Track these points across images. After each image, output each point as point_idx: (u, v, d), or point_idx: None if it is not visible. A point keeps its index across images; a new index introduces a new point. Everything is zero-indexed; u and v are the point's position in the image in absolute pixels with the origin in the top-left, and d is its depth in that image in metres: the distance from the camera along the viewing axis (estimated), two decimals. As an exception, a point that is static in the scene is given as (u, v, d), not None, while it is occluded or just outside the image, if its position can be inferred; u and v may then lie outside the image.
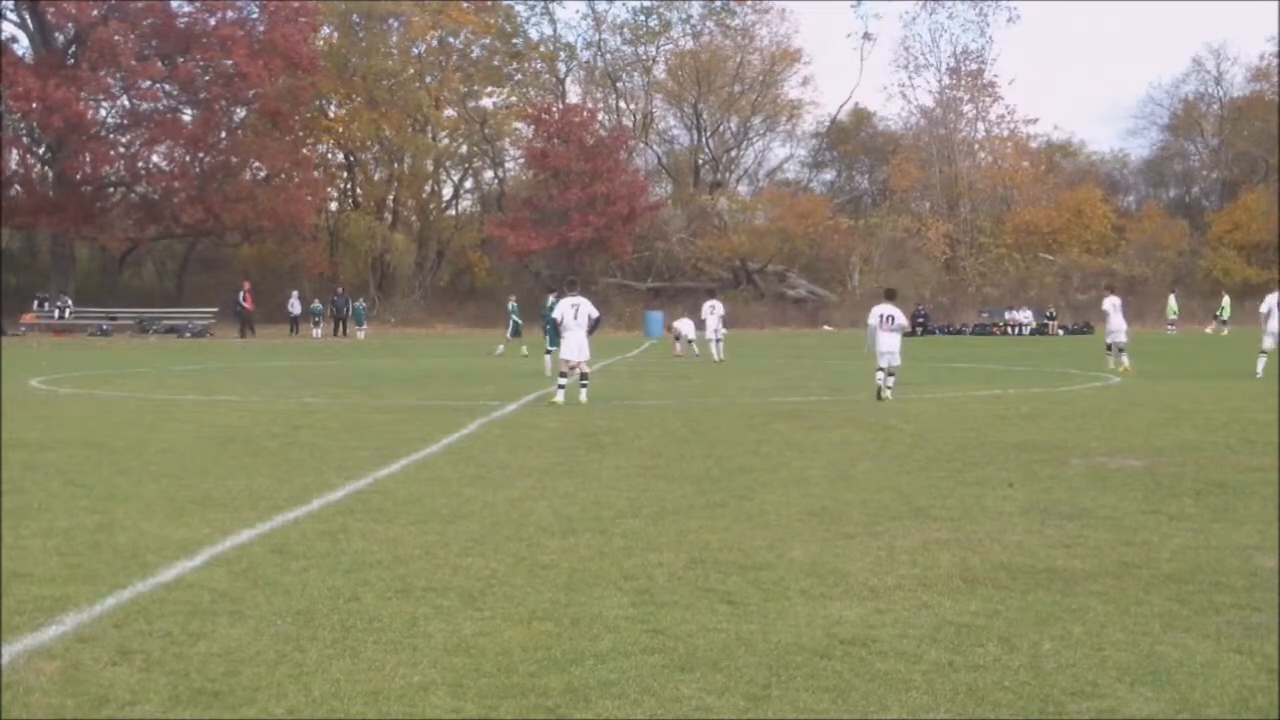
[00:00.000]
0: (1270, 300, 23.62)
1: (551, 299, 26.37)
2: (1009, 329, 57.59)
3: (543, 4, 72.71)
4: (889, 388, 18.88)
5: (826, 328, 60.76)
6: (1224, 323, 52.51)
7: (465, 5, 68.17)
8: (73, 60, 58.00)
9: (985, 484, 10.19)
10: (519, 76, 72.82)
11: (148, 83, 58.94)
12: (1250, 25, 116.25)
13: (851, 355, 34.37)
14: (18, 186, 58.42)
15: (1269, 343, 23.33)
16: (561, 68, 74.30)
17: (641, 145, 73.62)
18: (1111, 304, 27.87)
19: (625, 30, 73.25)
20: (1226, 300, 53.85)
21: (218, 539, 7.89)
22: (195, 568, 7.10)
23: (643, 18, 72.73)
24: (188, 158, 59.37)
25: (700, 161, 74.78)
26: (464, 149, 72.68)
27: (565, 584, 6.71)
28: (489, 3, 70.07)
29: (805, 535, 8.07)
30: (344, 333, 55.41)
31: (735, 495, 9.70)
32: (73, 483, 10.32)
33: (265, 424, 15.33)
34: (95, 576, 6.86)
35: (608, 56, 73.81)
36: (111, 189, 61.96)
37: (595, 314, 19.38)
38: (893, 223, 68.63)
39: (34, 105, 54.34)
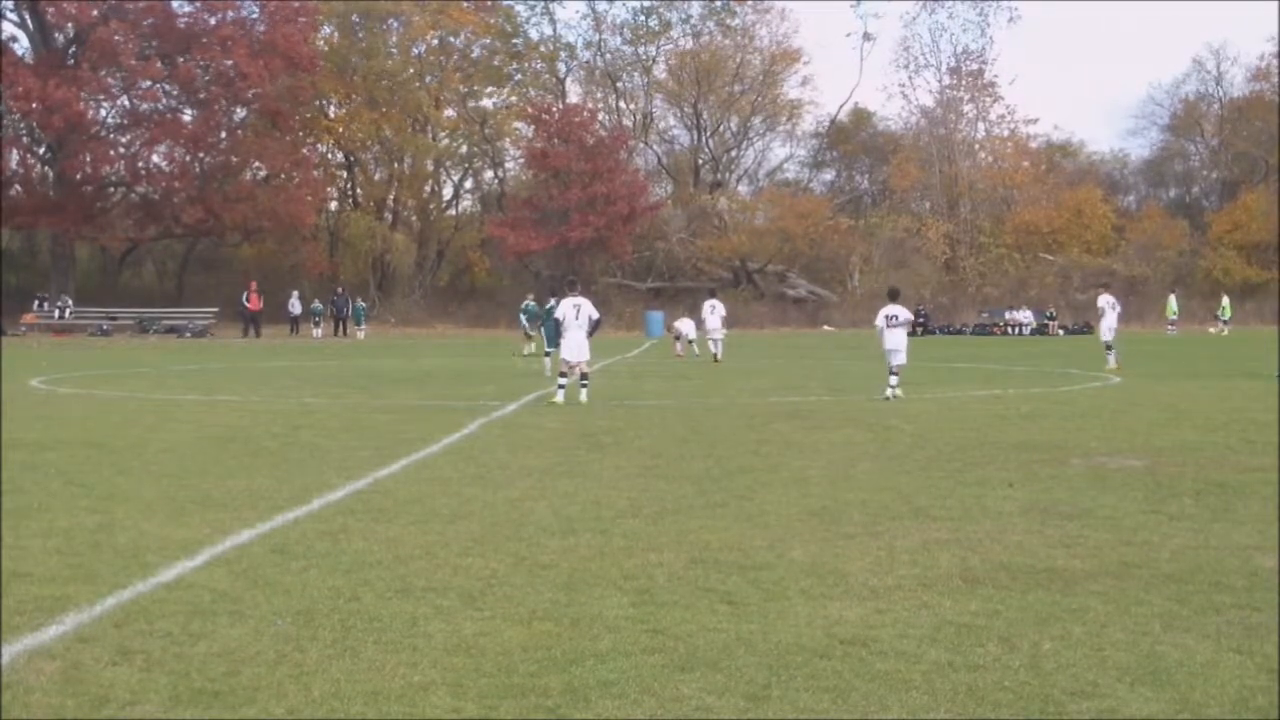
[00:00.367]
0: None
1: (552, 300, 26.41)
2: (1009, 329, 57.62)
3: (543, 4, 72.79)
4: (893, 388, 18.90)
5: (826, 328, 60.78)
6: (1225, 322, 52.50)
7: (465, 5, 68.19)
8: (73, 60, 58.02)
9: (985, 484, 10.19)
10: (519, 76, 72.85)
11: (148, 83, 58.94)
12: (1250, 25, 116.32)
13: (851, 355, 34.38)
14: (18, 186, 58.42)
15: None
16: (561, 68, 74.44)
17: (641, 145, 73.64)
18: (1107, 301, 28.01)
19: (625, 30, 73.40)
20: (1226, 300, 53.82)
21: (218, 539, 7.89)
22: (195, 568, 7.10)
23: (643, 18, 72.86)
24: (188, 158, 59.35)
25: (700, 161, 74.79)
26: (464, 149, 72.70)
27: (565, 584, 6.71)
28: (489, 3, 70.10)
29: (805, 535, 8.07)
30: (344, 333, 55.44)
31: (735, 495, 9.70)
32: (73, 483, 10.32)
33: (265, 424, 15.33)
34: (95, 576, 6.86)
35: (608, 56, 73.91)
36: (111, 189, 61.95)
37: (596, 315, 19.39)
38: (893, 223, 68.65)
39: (34, 105, 54.34)
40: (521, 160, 71.02)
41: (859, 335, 51.40)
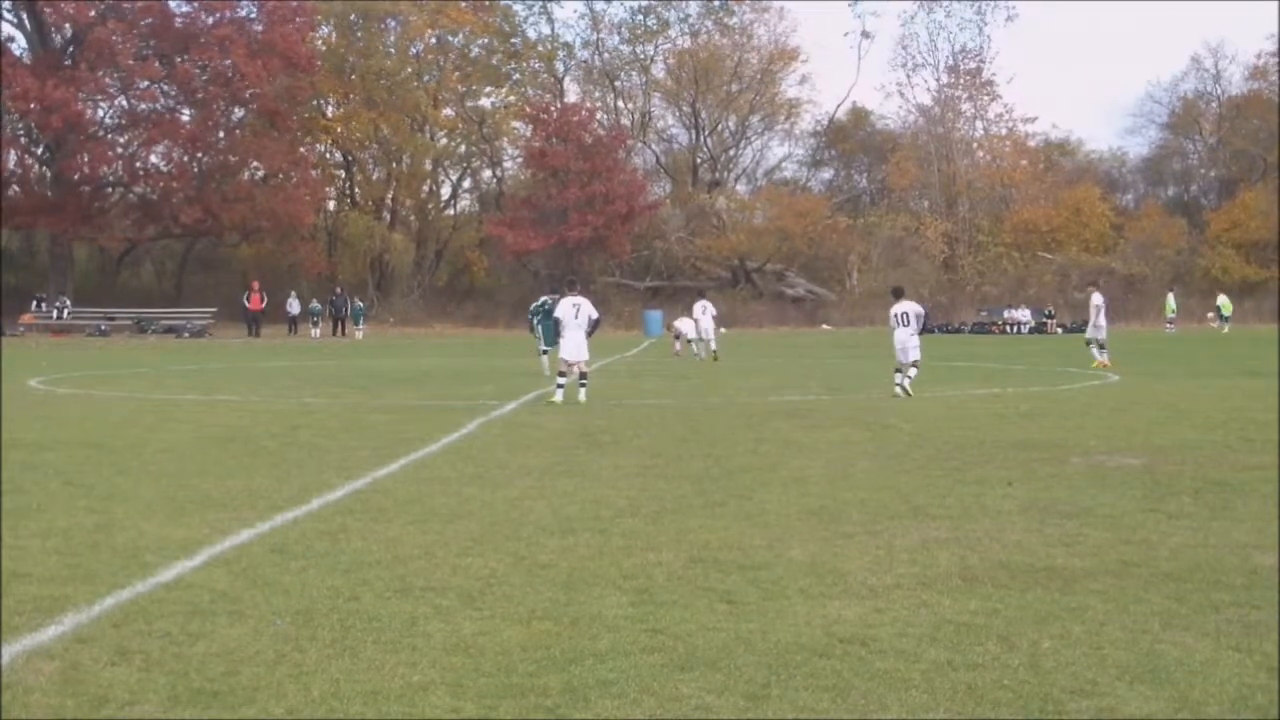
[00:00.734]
0: None
1: (549, 299, 26.52)
2: (1008, 327, 57.61)
3: (541, 3, 72.81)
4: (899, 385, 19.04)
5: (825, 327, 60.78)
6: (1225, 319, 52.48)
7: (463, 5, 68.16)
8: (71, 60, 57.97)
9: (984, 483, 10.18)
10: (517, 76, 72.82)
11: (146, 83, 58.95)
12: (1249, 24, 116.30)
13: (850, 354, 34.39)
14: (16, 187, 58.37)
15: None
16: (560, 67, 74.41)
17: (640, 144, 73.64)
18: (1098, 299, 28.09)
19: (623, 29, 73.45)
20: (1224, 299, 53.78)
21: (217, 539, 7.88)
22: (194, 568, 7.09)
23: (641, 17, 72.91)
24: (186, 158, 59.30)
25: (698, 160, 74.78)
26: (462, 148, 72.67)
27: (564, 583, 6.71)
28: (487, 2, 70.06)
29: (804, 534, 8.07)
30: (343, 332, 55.44)
31: (734, 494, 9.70)
32: (72, 483, 10.31)
33: (264, 424, 15.33)
34: (94, 577, 6.86)
35: (606, 56, 73.96)
36: (110, 189, 61.90)
37: (595, 315, 19.42)
38: (891, 221, 68.61)
39: (32, 105, 54.27)
40: (520, 159, 71.05)
41: (858, 334, 51.42)
